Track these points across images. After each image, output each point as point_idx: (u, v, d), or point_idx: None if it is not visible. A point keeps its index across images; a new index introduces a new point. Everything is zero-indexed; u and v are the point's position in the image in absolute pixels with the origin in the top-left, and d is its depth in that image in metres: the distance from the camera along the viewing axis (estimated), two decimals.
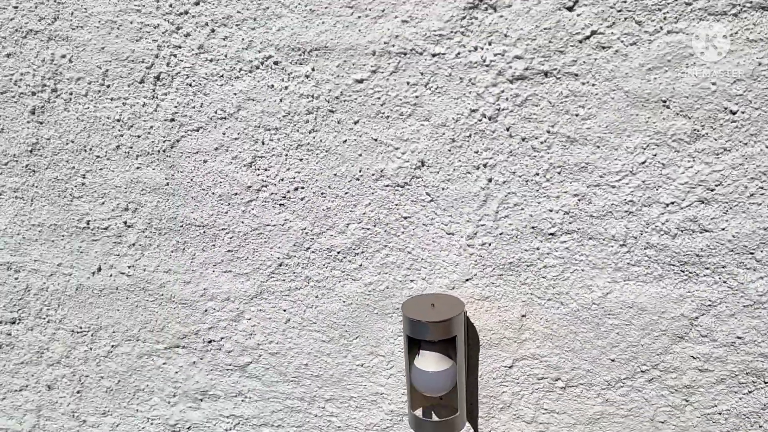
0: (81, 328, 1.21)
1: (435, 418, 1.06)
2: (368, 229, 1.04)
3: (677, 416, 1.00)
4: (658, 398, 1.00)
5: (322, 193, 1.04)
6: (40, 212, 1.16)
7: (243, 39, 0.99)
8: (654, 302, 0.96)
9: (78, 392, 1.26)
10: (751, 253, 0.91)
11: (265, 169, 1.05)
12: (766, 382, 0.95)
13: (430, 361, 0.97)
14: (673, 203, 0.92)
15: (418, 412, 1.05)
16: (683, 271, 0.94)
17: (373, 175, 1.01)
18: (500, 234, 0.99)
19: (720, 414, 0.98)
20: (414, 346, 0.99)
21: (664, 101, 0.88)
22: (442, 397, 1.06)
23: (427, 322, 0.94)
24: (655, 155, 0.91)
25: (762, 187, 0.88)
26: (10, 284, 1.22)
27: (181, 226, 1.11)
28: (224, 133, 1.04)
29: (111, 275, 1.17)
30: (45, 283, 1.20)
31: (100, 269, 1.17)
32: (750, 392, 0.96)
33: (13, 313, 1.24)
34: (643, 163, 0.91)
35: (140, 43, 1.03)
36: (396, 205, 1.02)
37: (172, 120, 1.06)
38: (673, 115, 0.89)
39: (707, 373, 0.97)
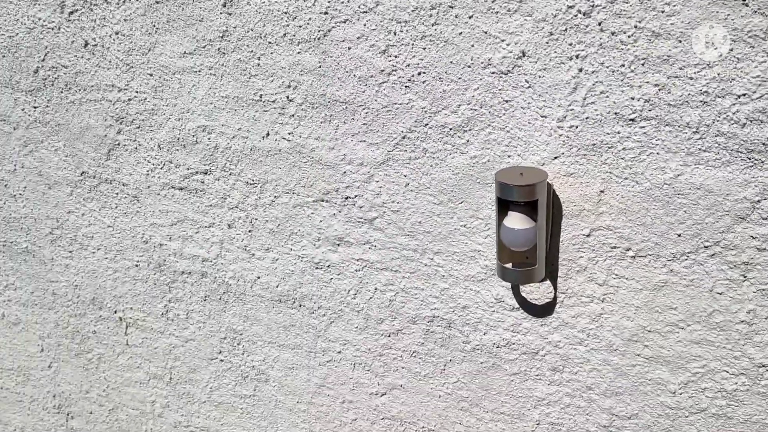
0: (253, 180, 1.56)
1: None
2: (475, 110, 1.24)
3: (734, 289, 1.13)
4: (718, 272, 1.13)
5: (439, 78, 1.25)
6: (226, 86, 1.50)
7: None
8: (720, 185, 1.08)
9: (249, 231, 1.63)
10: None
11: (396, 56, 1.28)
12: None
13: (515, 221, 1.18)
14: (744, 95, 1.02)
15: (507, 265, 1.27)
16: (749, 158, 1.05)
17: (482, 63, 1.20)
18: (586, 118, 1.15)
19: None
20: (504, 207, 1.20)
21: (744, 0, 0.98)
22: (528, 257, 1.27)
23: (513, 186, 1.14)
24: (731, 50, 1.01)
25: None
26: (204, 143, 1.59)
27: (329, 102, 1.38)
28: (365, 25, 1.28)
29: (276, 140, 1.49)
30: (229, 143, 1.56)
31: (268, 134, 1.49)
32: None
33: (206, 165, 1.62)
34: (721, 56, 1.02)
35: None
36: (499, 90, 1.21)
37: (326, 13, 1.31)
38: (751, 12, 0.98)
39: (765, 252, 1.08)
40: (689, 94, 1.06)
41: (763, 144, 1.03)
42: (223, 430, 1.91)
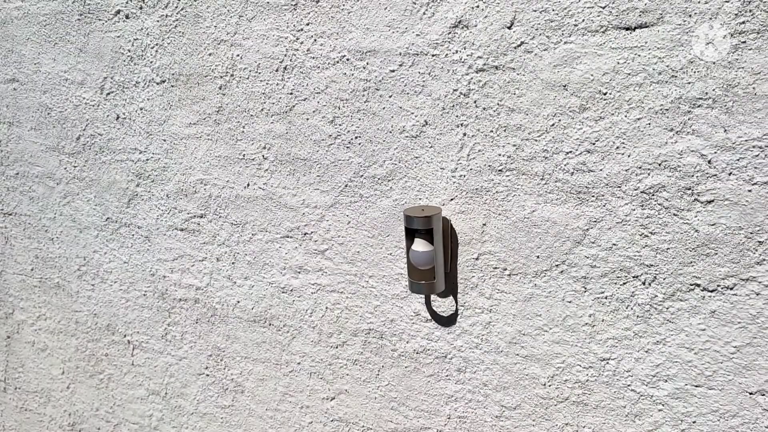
0: (236, 222, 1.99)
1: None
2: (395, 164, 1.66)
3: (578, 298, 1.48)
4: (567, 285, 1.49)
5: (370, 140, 1.68)
6: (219, 148, 1.95)
7: (331, 45, 1.67)
8: (561, 218, 1.46)
9: (232, 263, 2.03)
10: (619, 187, 1.38)
11: (340, 125, 1.72)
12: (633, 276, 1.41)
13: (419, 245, 1.57)
14: (570, 152, 1.42)
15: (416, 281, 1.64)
16: (578, 197, 1.43)
17: (399, 129, 1.63)
18: (471, 169, 1.56)
19: (606, 298, 1.45)
20: (410, 235, 1.59)
21: (564, 86, 1.40)
22: (435, 278, 1.64)
23: (414, 217, 1.54)
24: (559, 120, 1.42)
25: (623, 143, 1.36)
26: (201, 192, 2.03)
27: (293, 159, 1.82)
28: (318, 102, 1.73)
29: (254, 189, 1.92)
30: (219, 192, 1.99)
31: (248, 185, 1.93)
32: (624, 284, 1.42)
33: (202, 210, 2.05)
34: (553, 125, 1.43)
35: (277, 48, 1.76)
36: (411, 149, 1.63)
37: (291, 93, 1.77)
38: (569, 95, 1.40)
39: (596, 268, 1.45)
40: (535, 152, 1.46)
41: (586, 187, 1.42)
42: None
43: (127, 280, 2.30)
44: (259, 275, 1.98)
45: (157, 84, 2.02)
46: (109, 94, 2.15)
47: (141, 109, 2.09)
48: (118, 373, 2.42)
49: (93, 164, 2.26)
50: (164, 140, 2.07)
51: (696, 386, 1.39)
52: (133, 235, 2.23)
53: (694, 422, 1.41)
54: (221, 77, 1.88)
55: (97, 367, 2.48)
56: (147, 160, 2.12)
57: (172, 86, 2.00)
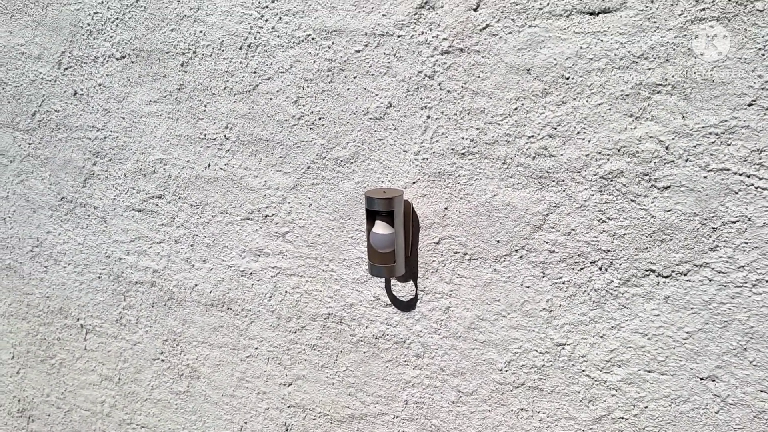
0: (196, 203, 1.94)
1: None
2: (359, 146, 1.64)
3: (537, 283, 1.49)
4: (526, 270, 1.49)
5: (334, 122, 1.66)
6: (180, 127, 1.91)
7: (295, 23, 1.65)
8: (522, 202, 1.46)
9: (191, 246, 1.99)
10: (579, 172, 1.39)
11: (303, 105, 1.69)
12: (591, 262, 1.42)
13: (380, 227, 1.56)
14: (532, 136, 1.42)
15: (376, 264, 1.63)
16: (539, 182, 1.44)
17: (363, 111, 1.62)
18: (433, 152, 1.55)
19: (564, 283, 1.46)
20: (371, 218, 1.57)
21: (528, 70, 1.40)
22: (395, 261, 1.63)
23: (375, 199, 1.53)
24: (522, 104, 1.42)
25: (584, 128, 1.36)
26: (160, 172, 1.99)
27: (255, 140, 1.79)
28: (282, 81, 1.71)
29: (215, 169, 1.88)
30: (179, 172, 1.95)
31: (209, 165, 1.89)
32: (581, 269, 1.43)
33: (160, 191, 2.00)
34: (516, 109, 1.43)
35: (241, 25, 1.73)
36: (375, 131, 1.61)
37: (255, 72, 1.74)
38: (532, 78, 1.40)
39: (554, 253, 1.45)
40: (498, 135, 1.46)
41: (547, 172, 1.42)
42: (160, 426, 2.20)
43: (81, 262, 2.23)
44: (218, 258, 1.94)
45: (117, 59, 1.97)
46: (66, 69, 2.09)
47: (99, 85, 2.03)
48: (70, 358, 2.35)
49: (49, 141, 2.20)
50: (123, 118, 2.01)
51: (648, 371, 1.41)
52: (88, 215, 2.17)
53: (646, 407, 1.42)
54: (183, 54, 1.84)
55: (48, 352, 2.41)
56: (105, 138, 2.07)
57: (132, 62, 1.94)
